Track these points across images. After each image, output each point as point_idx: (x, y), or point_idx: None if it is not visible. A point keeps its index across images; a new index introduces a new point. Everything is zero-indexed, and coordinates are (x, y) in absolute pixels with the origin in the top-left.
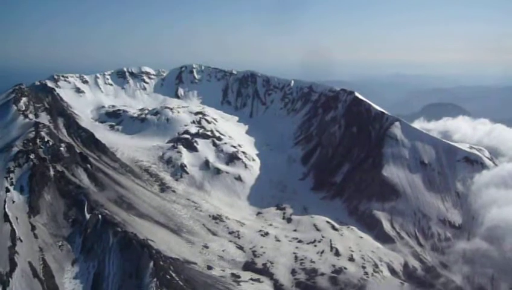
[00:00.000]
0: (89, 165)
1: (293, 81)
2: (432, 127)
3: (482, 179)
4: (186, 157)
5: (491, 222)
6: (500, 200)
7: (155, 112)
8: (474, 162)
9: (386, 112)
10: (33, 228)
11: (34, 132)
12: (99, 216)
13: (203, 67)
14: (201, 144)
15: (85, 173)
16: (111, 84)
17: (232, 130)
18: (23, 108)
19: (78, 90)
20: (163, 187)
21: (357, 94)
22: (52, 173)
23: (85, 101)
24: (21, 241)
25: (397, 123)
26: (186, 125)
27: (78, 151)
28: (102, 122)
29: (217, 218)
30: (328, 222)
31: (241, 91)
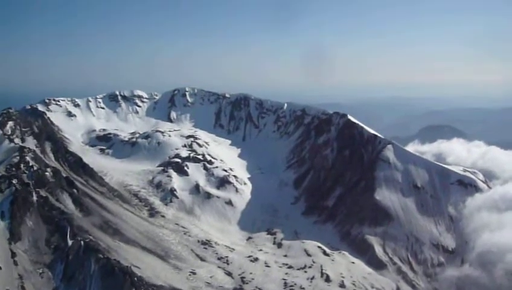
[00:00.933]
0: (75, 190)
1: (286, 104)
2: (426, 149)
3: (474, 202)
4: (176, 181)
5: (482, 247)
6: (492, 224)
7: (146, 136)
8: (467, 185)
9: (378, 135)
10: (13, 254)
11: (18, 157)
12: (82, 242)
13: (196, 90)
14: (192, 168)
15: (70, 198)
16: (103, 108)
17: (224, 154)
18: (9, 132)
19: (70, 114)
20: (152, 212)
21: (349, 117)
22: (35, 198)
23: (76, 124)
24: (0, 268)
25: (390, 146)
26: (177, 149)
27: (65, 175)
28: (92, 146)
29: (206, 243)
30: (319, 247)
31: (234, 114)
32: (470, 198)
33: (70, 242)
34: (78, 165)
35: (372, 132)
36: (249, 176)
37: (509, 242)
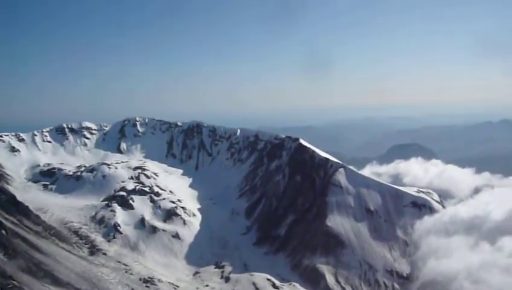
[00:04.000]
0: (3, 231)
1: (239, 130)
2: (384, 170)
3: (423, 225)
4: (120, 216)
5: (427, 276)
6: (439, 250)
7: (91, 169)
8: (421, 207)
9: (330, 158)
10: None
11: None
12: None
13: (147, 120)
14: (137, 201)
15: None
16: (49, 142)
17: (174, 185)
18: None
19: (13, 149)
20: (93, 250)
21: (301, 141)
22: None
23: (20, 160)
24: None
25: (341, 170)
26: (123, 182)
27: None
28: (36, 181)
29: (148, 281)
30: (268, 280)
31: (187, 143)
32: (418, 221)
33: None
34: (11, 203)
35: (324, 155)
36: (199, 206)
37: (455, 270)
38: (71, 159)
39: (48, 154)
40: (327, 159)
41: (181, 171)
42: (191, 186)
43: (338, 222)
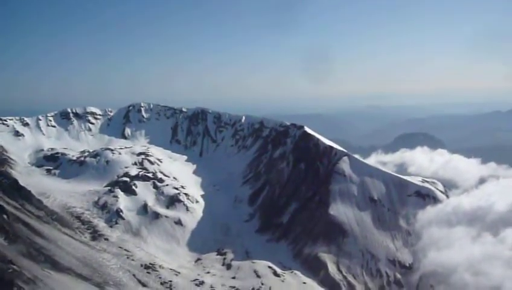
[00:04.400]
0: (5, 216)
1: (244, 117)
2: (389, 159)
3: (425, 216)
4: (123, 201)
5: (427, 267)
6: (441, 241)
7: (95, 154)
8: (425, 197)
9: (334, 146)
10: None
11: None
12: None
13: (151, 106)
14: (140, 187)
15: None
16: (54, 126)
17: (178, 171)
18: None
19: (17, 134)
20: (95, 235)
21: (306, 128)
22: None
23: (24, 144)
24: None
25: (345, 158)
26: (126, 167)
27: None
28: (39, 166)
29: (149, 267)
30: (270, 267)
31: (191, 129)
32: (421, 211)
33: None
34: (13, 188)
35: (329, 143)
36: (202, 193)
37: (455, 261)
38: (75, 144)
39: (52, 139)
40: (331, 147)
41: (185, 157)
42: (194, 172)
43: (341, 211)
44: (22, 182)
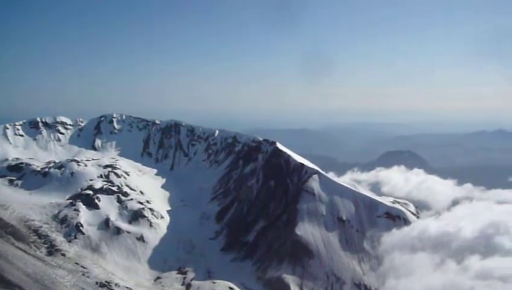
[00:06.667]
0: None
1: (217, 131)
2: (364, 178)
3: (389, 239)
4: (84, 215)
5: None
6: (401, 268)
7: (59, 166)
8: (396, 218)
9: (305, 164)
10: None
11: None
12: None
13: (124, 117)
14: (104, 201)
15: None
16: (21, 135)
17: (146, 185)
18: None
19: None
20: (52, 250)
21: (278, 144)
22: None
23: None
24: None
25: (316, 176)
26: (91, 180)
27: None
28: (2, 176)
29: (104, 285)
30: (230, 288)
31: (164, 142)
32: (386, 234)
33: None
34: None
35: (300, 160)
36: (169, 208)
37: None
38: (43, 154)
39: (19, 149)
40: (302, 165)
41: (155, 171)
42: (163, 187)
43: (308, 231)
44: None
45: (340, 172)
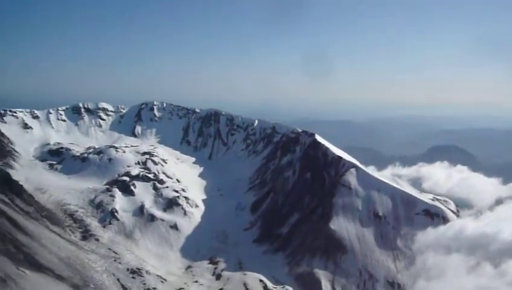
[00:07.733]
0: None
1: (257, 121)
2: (406, 173)
3: (424, 238)
4: (119, 201)
5: None
6: (433, 269)
7: (98, 151)
8: (434, 216)
9: (343, 157)
10: None
11: None
12: None
13: (164, 105)
14: (139, 188)
15: None
16: (64, 120)
17: (183, 173)
18: None
19: (26, 126)
20: (86, 235)
21: (316, 136)
22: None
23: (31, 137)
24: None
25: (353, 170)
26: (129, 167)
27: None
28: (43, 160)
29: (135, 272)
30: (261, 281)
31: (203, 130)
32: (421, 233)
33: None
34: (4, 181)
35: (338, 153)
36: (204, 197)
37: None
38: (84, 139)
39: (61, 133)
40: (340, 158)
41: (193, 159)
42: (200, 175)
43: (342, 226)
44: (21, 176)
45: (382, 166)
